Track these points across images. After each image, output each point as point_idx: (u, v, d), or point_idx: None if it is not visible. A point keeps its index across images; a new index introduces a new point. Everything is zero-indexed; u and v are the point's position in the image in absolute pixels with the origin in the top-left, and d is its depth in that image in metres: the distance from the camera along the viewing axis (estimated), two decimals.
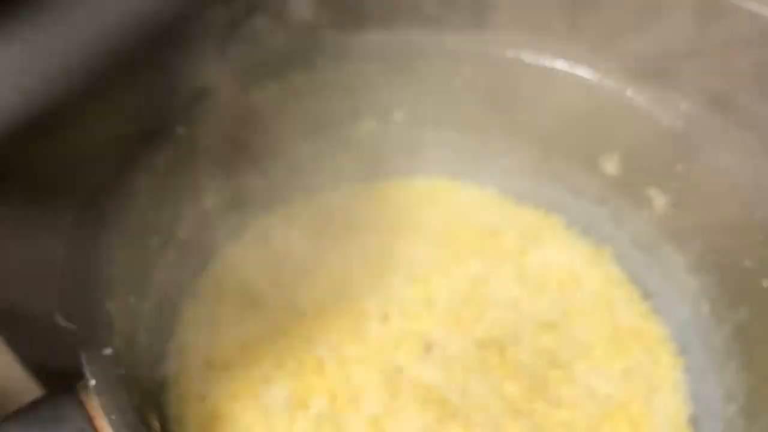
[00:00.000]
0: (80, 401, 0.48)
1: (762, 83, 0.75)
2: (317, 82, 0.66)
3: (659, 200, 0.65)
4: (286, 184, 0.71)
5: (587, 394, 0.59)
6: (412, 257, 0.68)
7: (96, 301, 0.47)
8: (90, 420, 0.47)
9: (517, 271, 0.68)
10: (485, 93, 0.69)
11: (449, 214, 0.72)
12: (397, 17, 0.65)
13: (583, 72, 0.65)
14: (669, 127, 0.61)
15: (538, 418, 0.58)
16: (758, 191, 0.56)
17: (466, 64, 0.67)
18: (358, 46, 0.65)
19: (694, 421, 0.59)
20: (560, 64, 0.65)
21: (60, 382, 0.52)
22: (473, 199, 0.75)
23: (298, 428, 0.55)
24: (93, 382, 0.44)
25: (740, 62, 0.73)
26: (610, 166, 0.68)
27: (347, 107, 0.69)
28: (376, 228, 0.70)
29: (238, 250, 0.67)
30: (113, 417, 0.43)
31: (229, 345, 0.60)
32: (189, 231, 0.62)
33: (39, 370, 0.57)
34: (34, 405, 0.49)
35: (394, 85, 0.68)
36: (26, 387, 0.57)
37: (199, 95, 0.59)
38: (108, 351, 0.45)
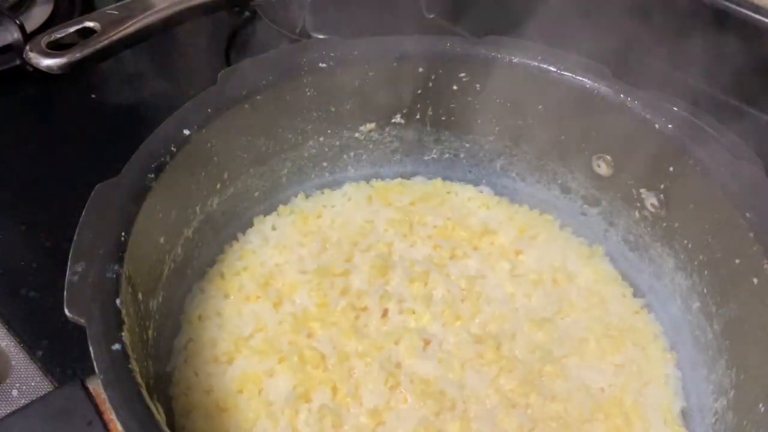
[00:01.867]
0: (89, 395, 0.50)
1: (750, 88, 0.78)
2: (319, 85, 0.67)
3: (650, 200, 0.66)
4: (288, 184, 0.73)
5: (581, 388, 0.61)
6: (410, 255, 0.69)
7: (106, 297, 0.48)
8: (99, 413, 0.49)
9: (512, 269, 0.69)
10: (481, 96, 0.71)
11: (446, 214, 0.74)
12: (398, 24, 0.67)
13: (577, 76, 0.66)
14: (660, 129, 0.63)
15: (533, 412, 0.59)
16: (747, 191, 0.58)
17: (463, 68, 0.69)
18: (359, 50, 0.67)
19: (685, 414, 0.61)
20: (555, 68, 0.67)
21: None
22: (469, 199, 0.77)
23: (301, 420, 0.57)
24: (102, 376, 0.45)
25: (728, 69, 0.75)
26: (603, 167, 0.70)
27: (348, 110, 0.70)
28: (376, 227, 0.72)
29: (243, 249, 0.69)
30: (121, 411, 0.44)
31: (233, 340, 0.62)
32: (196, 230, 0.64)
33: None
34: (45, 398, 0.50)
35: (394, 89, 0.70)
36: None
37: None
38: (117, 346, 0.46)
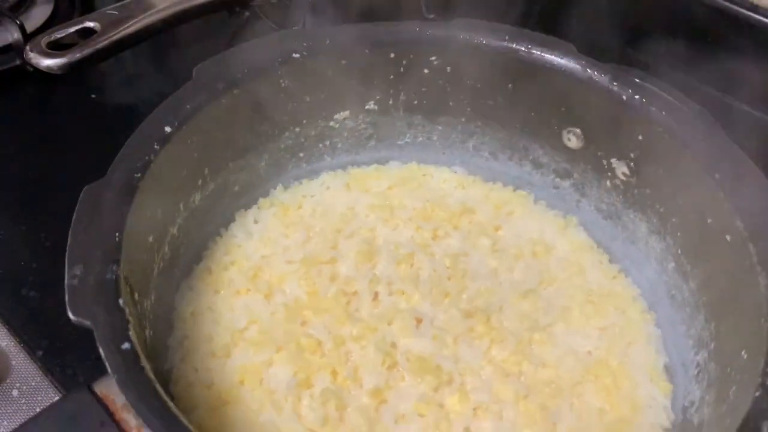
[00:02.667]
0: (98, 398, 0.50)
1: (709, 61, 0.81)
2: (293, 76, 0.68)
3: (621, 169, 0.69)
4: (267, 177, 0.74)
5: (569, 353, 0.63)
6: (394, 239, 0.71)
7: (108, 298, 0.48)
8: (111, 414, 0.49)
9: (493, 244, 0.71)
10: (452, 79, 0.73)
11: (424, 196, 0.76)
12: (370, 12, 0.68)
13: (544, 54, 0.68)
14: (627, 100, 0.66)
15: (526, 379, 0.61)
16: (714, 153, 0.61)
17: (433, 51, 0.70)
18: (331, 39, 0.68)
19: (669, 369, 0.64)
20: (522, 47, 0.69)
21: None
22: (445, 180, 0.78)
23: (305, 406, 0.58)
24: (116, 376, 0.45)
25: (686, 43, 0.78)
26: (574, 140, 0.72)
27: (323, 99, 0.71)
28: (357, 213, 0.73)
29: (228, 244, 0.69)
30: (141, 408, 0.44)
31: (228, 334, 0.62)
32: (180, 227, 0.64)
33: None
34: (54, 406, 0.50)
35: (366, 75, 0.71)
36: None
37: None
38: (126, 345, 0.46)
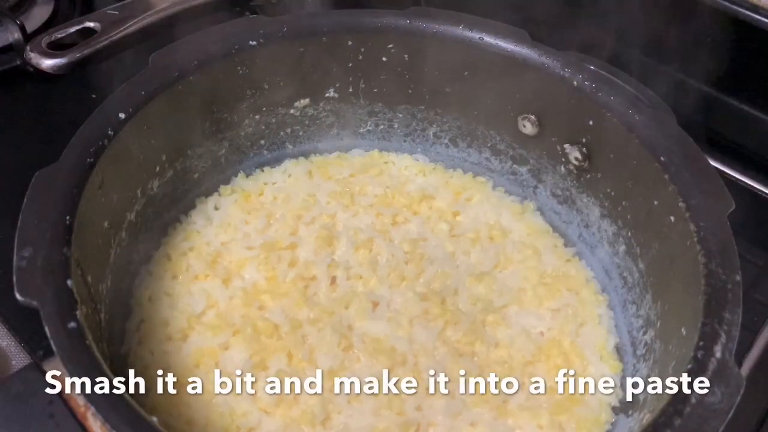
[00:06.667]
0: (48, 376, 0.50)
1: (659, 47, 0.82)
2: (251, 63, 0.68)
3: (574, 154, 0.70)
4: (227, 164, 0.74)
5: (521, 334, 0.65)
6: (354, 225, 0.72)
7: (57, 279, 0.48)
8: (59, 393, 0.50)
9: (451, 229, 0.72)
10: (410, 66, 0.74)
11: (385, 183, 0.77)
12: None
13: (499, 41, 0.70)
14: (579, 86, 0.67)
15: (479, 359, 0.62)
16: (660, 137, 0.62)
17: (390, 39, 0.71)
18: (288, 27, 0.69)
19: (619, 349, 0.66)
20: (477, 35, 0.70)
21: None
22: (406, 168, 0.79)
23: (260, 387, 0.58)
24: (60, 353, 0.46)
25: (639, 28, 0.80)
26: (529, 127, 0.73)
27: (282, 87, 0.72)
28: (318, 200, 0.74)
29: (187, 230, 0.70)
30: (84, 384, 0.45)
31: (185, 318, 0.63)
32: (138, 213, 0.65)
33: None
34: (1, 385, 0.51)
35: (325, 63, 0.72)
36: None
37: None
38: (72, 324, 0.47)
